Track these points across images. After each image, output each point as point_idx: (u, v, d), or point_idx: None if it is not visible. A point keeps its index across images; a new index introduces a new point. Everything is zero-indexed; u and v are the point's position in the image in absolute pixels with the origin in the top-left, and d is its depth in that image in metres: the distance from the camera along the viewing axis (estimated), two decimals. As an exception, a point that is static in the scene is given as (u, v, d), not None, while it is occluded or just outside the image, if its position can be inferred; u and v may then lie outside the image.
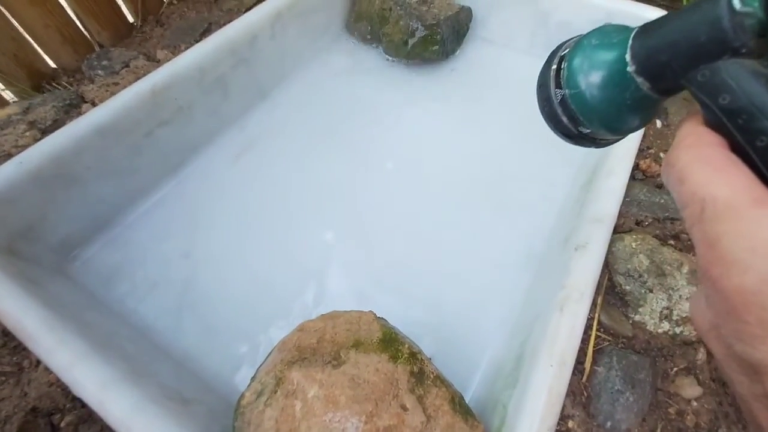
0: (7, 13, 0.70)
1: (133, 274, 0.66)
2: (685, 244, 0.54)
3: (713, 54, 0.16)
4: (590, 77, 0.20)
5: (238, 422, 0.45)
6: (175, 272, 0.66)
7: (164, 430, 0.40)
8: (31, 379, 0.45)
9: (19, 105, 0.65)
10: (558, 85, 0.22)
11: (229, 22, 0.81)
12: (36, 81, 0.76)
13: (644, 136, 0.64)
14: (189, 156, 0.78)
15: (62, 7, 0.76)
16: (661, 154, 0.63)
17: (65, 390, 0.44)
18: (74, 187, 0.63)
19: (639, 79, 0.19)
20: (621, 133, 0.23)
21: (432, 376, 0.50)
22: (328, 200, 0.76)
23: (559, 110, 0.23)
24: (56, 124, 0.62)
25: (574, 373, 0.45)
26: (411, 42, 0.92)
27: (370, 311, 0.56)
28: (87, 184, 0.64)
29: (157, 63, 0.72)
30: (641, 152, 0.62)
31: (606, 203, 0.53)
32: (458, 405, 0.49)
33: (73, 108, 0.65)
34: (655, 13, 0.82)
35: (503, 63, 0.99)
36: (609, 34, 0.21)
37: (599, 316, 0.49)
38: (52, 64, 0.79)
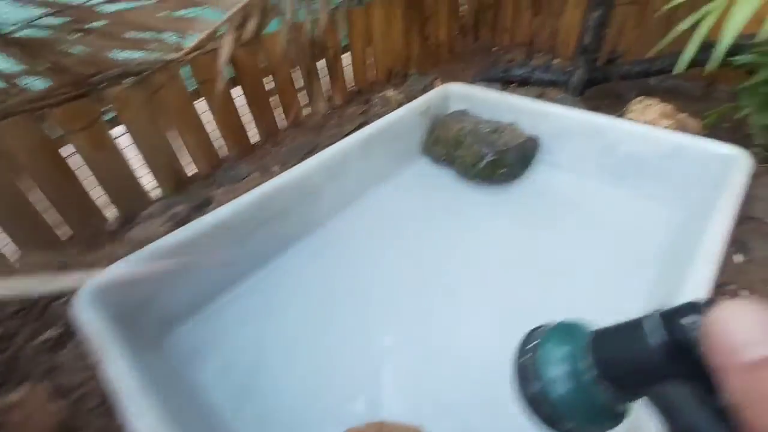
0: (173, 135, 0.95)
1: (211, 354, 0.72)
2: None
3: (658, 377, 0.17)
4: (558, 380, 0.21)
5: None
6: (246, 358, 0.72)
7: None
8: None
9: (163, 203, 0.84)
10: (535, 379, 0.22)
11: (331, 144, 0.99)
12: (178, 184, 0.97)
13: (724, 270, 0.61)
14: (279, 251, 0.90)
15: (206, 132, 1.01)
16: (742, 292, 0.59)
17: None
18: (186, 272, 0.75)
19: (603, 385, 0.20)
20: (601, 428, 0.22)
21: None
22: (392, 303, 0.80)
23: (538, 401, 0.22)
24: (187, 219, 0.78)
25: None
26: (480, 164, 1.02)
27: (416, 428, 0.55)
28: (196, 270, 0.77)
29: (271, 175, 0.89)
30: (719, 287, 0.59)
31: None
32: None
33: (203, 207, 0.81)
34: (725, 149, 0.84)
35: (569, 186, 1.05)
36: (569, 353, 0.21)
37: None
38: (194, 171, 1.02)
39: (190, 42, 0.91)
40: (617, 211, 0.96)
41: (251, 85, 1.04)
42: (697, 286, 0.58)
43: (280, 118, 1.16)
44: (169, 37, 0.90)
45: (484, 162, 1.02)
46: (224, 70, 0.93)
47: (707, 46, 1.05)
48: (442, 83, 1.28)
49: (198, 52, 0.92)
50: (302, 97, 1.18)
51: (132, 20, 0.82)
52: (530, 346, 0.23)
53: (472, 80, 1.37)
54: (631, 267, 0.81)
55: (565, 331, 0.22)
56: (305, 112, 1.22)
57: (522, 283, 0.81)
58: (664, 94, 1.38)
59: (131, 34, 0.84)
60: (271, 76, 1.07)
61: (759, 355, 0.13)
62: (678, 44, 0.86)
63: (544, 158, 1.11)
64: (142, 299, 0.71)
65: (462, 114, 1.20)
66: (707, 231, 0.66)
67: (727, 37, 0.59)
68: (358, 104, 1.26)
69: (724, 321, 0.14)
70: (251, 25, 0.97)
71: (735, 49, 0.85)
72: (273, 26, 1.05)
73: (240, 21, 0.96)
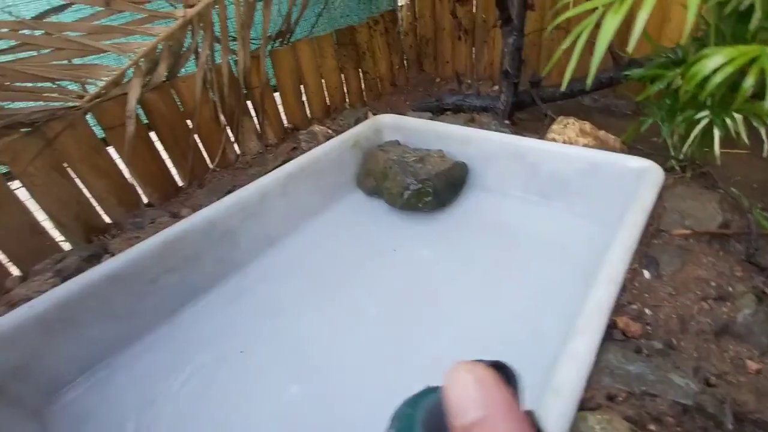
0: (80, 184, 0.91)
1: (100, 422, 0.66)
2: (672, 431, 0.42)
3: None
4: None
5: None
6: (137, 422, 0.65)
7: None
8: None
9: (55, 257, 0.79)
10: None
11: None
12: (90, 234, 0.93)
13: (625, 288, 0.58)
14: (190, 299, 0.84)
15: (124, 177, 0.97)
16: (647, 311, 0.55)
17: None
18: (73, 329, 0.69)
19: None
20: None
21: None
22: (305, 348, 0.75)
23: None
24: (77, 272, 0.73)
25: None
26: (406, 194, 1.00)
27: None
28: (86, 327, 0.71)
29: (179, 219, 0.85)
30: (621, 308, 0.55)
31: (567, 371, 0.46)
32: None
33: (95, 259, 0.76)
34: (636, 162, 0.83)
35: (499, 209, 1.02)
36: None
37: None
38: (108, 220, 0.97)
39: (95, 89, 0.90)
40: (544, 230, 0.94)
41: (167, 129, 1.02)
42: (596, 307, 0.55)
43: (208, 159, 1.14)
44: (71, 84, 0.89)
45: (409, 192, 1.00)
46: (133, 115, 0.91)
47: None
48: (374, 115, 1.27)
49: (101, 98, 0.90)
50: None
51: (24, 70, 0.80)
52: (392, 416, 0.22)
53: (411, 110, 1.38)
54: (554, 287, 0.78)
55: (416, 402, 0.21)
56: (239, 151, 1.20)
57: (444, 313, 0.77)
58: (598, 114, 1.40)
59: (25, 85, 0.82)
60: (188, 119, 1.05)
61: (470, 419, 0.14)
62: (601, 65, 0.87)
63: (475, 183, 1.10)
64: (18, 363, 0.64)
65: (393, 145, 1.18)
66: (611, 249, 0.63)
67: (598, 52, 0.58)
68: (293, 141, 1.25)
69: (450, 386, 0.15)
70: (162, 69, 0.97)
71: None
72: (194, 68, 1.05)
73: (149, 65, 0.96)
